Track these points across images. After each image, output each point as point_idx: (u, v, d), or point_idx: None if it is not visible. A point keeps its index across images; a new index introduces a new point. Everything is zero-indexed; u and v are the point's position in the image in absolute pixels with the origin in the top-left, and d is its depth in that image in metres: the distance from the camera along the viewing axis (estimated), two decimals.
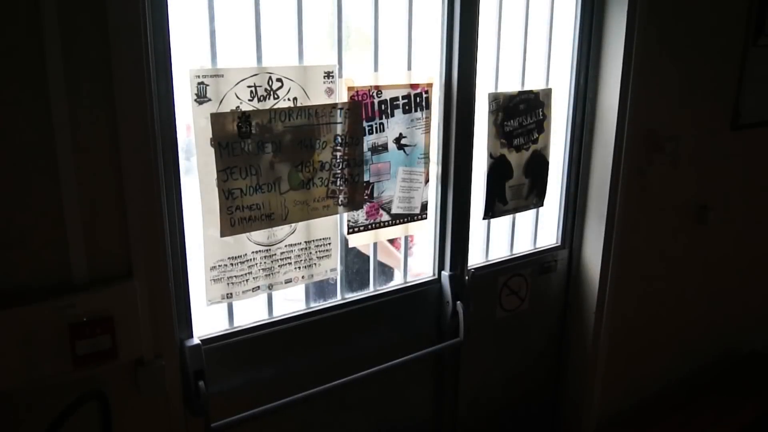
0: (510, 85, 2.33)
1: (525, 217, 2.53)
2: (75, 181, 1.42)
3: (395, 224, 2.11)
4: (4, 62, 1.30)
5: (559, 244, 2.65)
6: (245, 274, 1.81)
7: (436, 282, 2.29)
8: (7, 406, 1.44)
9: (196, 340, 1.74)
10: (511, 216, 2.47)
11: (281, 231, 1.84)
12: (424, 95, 2.06)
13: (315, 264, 1.94)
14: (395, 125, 2.02)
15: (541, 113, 2.39)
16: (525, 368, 2.72)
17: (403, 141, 2.05)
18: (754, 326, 3.48)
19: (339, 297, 2.09)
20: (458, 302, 2.24)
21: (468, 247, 2.27)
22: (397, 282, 2.26)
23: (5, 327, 1.37)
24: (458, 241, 2.24)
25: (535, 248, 2.59)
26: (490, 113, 2.26)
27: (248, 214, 1.73)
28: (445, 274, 2.28)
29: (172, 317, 1.64)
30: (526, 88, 2.35)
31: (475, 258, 2.38)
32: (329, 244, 1.96)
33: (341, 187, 1.91)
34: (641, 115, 2.49)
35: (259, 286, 1.84)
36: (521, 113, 2.33)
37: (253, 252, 1.80)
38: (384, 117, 1.99)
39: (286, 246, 1.87)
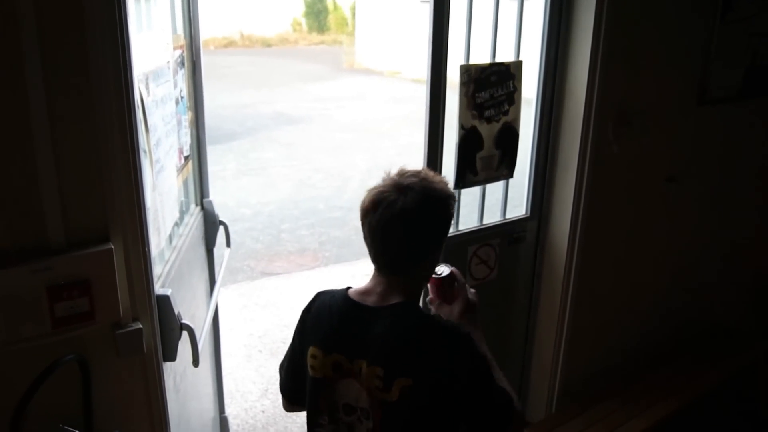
0: (481, 57, 2.38)
1: (495, 188, 2.59)
2: (50, 144, 1.44)
3: (186, 165, 2.41)
4: None
5: (528, 215, 2.72)
6: (159, 226, 1.95)
7: (202, 209, 2.62)
8: None
9: (167, 290, 1.81)
10: (481, 187, 2.53)
11: (162, 180, 2.03)
12: (183, 55, 2.33)
13: (171, 206, 2.17)
14: (178, 80, 2.25)
15: (511, 85, 2.44)
16: (494, 335, 2.79)
17: (182, 94, 2.30)
18: (716, 298, 3.59)
19: None
20: None
21: None
22: None
23: None
24: None
25: (505, 219, 2.66)
26: (462, 84, 2.31)
27: (158, 167, 1.93)
28: (207, 200, 2.62)
29: (150, 280, 1.67)
30: (497, 60, 2.41)
31: None
32: (174, 187, 2.20)
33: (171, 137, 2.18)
34: (609, 89, 2.55)
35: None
36: (492, 85, 2.39)
37: (158, 203, 1.94)
38: (176, 75, 2.21)
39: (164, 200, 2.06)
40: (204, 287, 2.65)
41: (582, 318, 2.82)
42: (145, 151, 1.78)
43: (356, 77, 18.23)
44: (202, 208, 2.65)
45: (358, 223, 1.50)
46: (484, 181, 2.49)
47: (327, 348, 1.49)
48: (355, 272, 5.26)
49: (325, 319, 1.52)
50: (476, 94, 2.35)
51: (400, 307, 1.46)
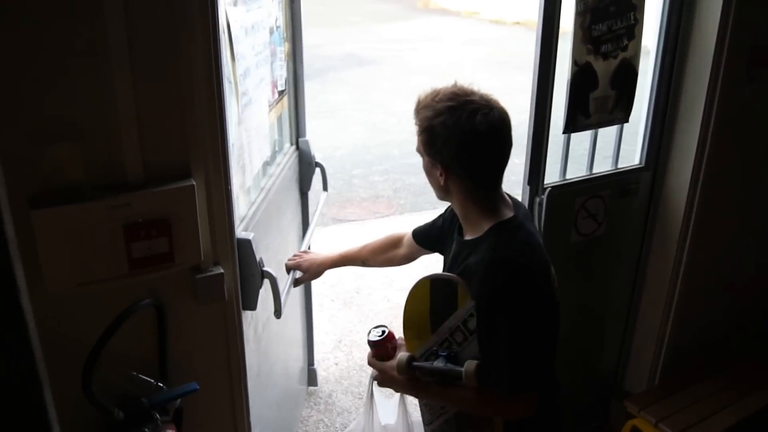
0: None
1: (605, 134, 2.41)
2: (129, 70, 1.34)
3: (279, 101, 2.31)
4: None
5: (642, 165, 2.52)
6: (246, 163, 1.85)
7: (297, 149, 2.56)
8: (62, 309, 1.41)
9: (248, 233, 1.72)
10: (593, 131, 2.35)
11: (250, 116, 1.93)
12: None
13: (263, 145, 2.09)
14: (272, 8, 2.12)
15: (632, 17, 2.23)
16: (596, 296, 2.65)
17: (278, 23, 2.18)
18: None
19: None
20: None
21: (545, 162, 2.18)
22: None
23: (58, 225, 1.32)
24: (535, 156, 2.13)
25: (617, 168, 2.48)
26: (577, 15, 2.12)
27: (245, 100, 1.81)
28: (302, 140, 2.52)
29: (232, 221, 1.58)
30: None
31: (552, 176, 2.29)
32: (265, 124, 2.10)
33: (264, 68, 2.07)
34: (745, 26, 2.28)
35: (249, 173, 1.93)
36: (611, 16, 2.18)
37: (245, 139, 1.85)
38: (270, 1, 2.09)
39: (253, 129, 1.96)
40: (296, 232, 2.56)
41: (696, 282, 2.60)
42: (230, 82, 1.66)
43: (431, 17, 17.78)
44: (298, 147, 2.54)
45: None
46: (596, 125, 2.30)
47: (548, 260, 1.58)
48: None
49: (537, 247, 1.56)
50: (593, 26, 2.15)
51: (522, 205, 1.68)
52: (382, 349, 1.66)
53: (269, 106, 2.12)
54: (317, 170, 2.66)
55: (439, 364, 1.52)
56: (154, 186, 1.42)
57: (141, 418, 1.49)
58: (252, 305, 1.75)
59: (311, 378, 3.17)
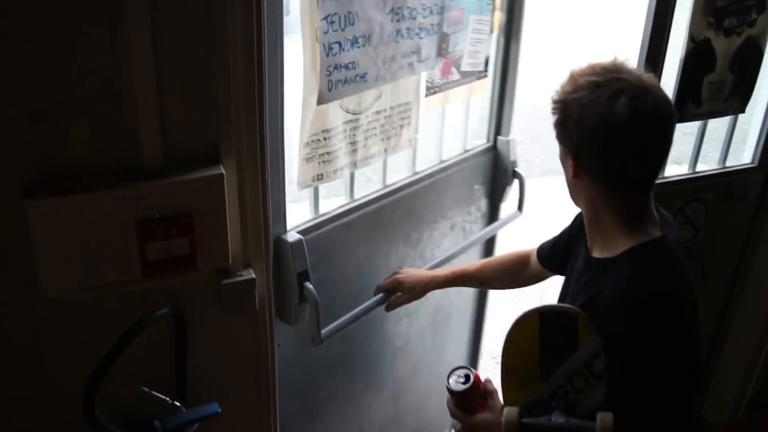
0: None
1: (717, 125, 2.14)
2: (150, 31, 1.12)
3: (463, 84, 1.92)
4: None
5: (755, 164, 2.23)
6: (335, 150, 1.59)
7: (492, 149, 2.15)
8: (62, 319, 1.22)
9: (295, 235, 1.48)
10: (701, 123, 2.08)
11: (369, 96, 1.66)
12: None
13: (396, 134, 1.78)
14: None
15: None
16: None
17: None
18: None
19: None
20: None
21: None
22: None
23: (57, 218, 1.12)
24: None
25: (724, 167, 2.19)
26: None
27: (344, 74, 1.50)
28: (503, 139, 2.12)
29: (268, 217, 1.35)
30: None
31: None
32: (410, 109, 1.78)
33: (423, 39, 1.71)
34: None
35: (345, 164, 1.65)
36: None
37: (344, 123, 1.58)
38: None
39: (373, 114, 1.68)
40: (453, 248, 2.07)
41: None
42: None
43: None
44: (495, 147, 2.15)
45: None
46: (707, 115, 2.03)
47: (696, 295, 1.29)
48: None
49: (688, 280, 1.27)
50: None
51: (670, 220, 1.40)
52: (468, 398, 1.38)
53: (432, 88, 1.80)
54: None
55: (558, 419, 1.24)
56: (174, 174, 1.20)
57: None
58: (290, 319, 1.53)
59: None
